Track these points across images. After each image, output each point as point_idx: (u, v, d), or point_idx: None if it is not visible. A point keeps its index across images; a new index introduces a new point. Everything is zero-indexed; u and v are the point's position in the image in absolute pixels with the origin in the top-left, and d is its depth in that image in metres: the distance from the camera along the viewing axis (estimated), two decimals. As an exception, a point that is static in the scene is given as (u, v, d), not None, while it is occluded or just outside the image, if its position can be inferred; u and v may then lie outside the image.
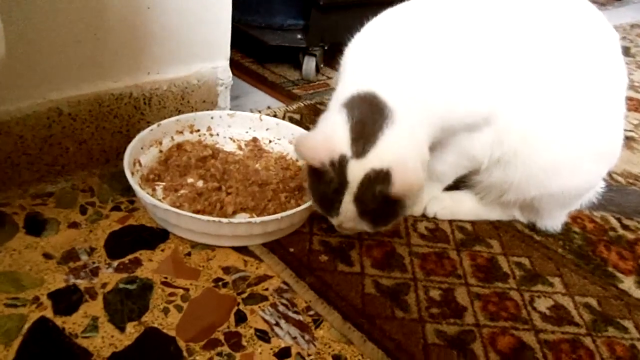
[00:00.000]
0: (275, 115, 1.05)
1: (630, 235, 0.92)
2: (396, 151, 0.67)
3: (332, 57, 1.32)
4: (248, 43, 1.28)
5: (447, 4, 0.76)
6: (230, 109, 1.02)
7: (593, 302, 0.77)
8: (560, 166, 0.77)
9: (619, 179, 1.09)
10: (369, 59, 0.74)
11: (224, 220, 0.71)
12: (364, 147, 0.66)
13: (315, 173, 0.69)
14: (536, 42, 0.74)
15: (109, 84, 0.81)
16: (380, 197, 0.67)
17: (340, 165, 0.67)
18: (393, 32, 0.74)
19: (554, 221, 0.87)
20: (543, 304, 0.75)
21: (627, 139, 1.34)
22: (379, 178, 0.66)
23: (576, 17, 0.78)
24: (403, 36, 0.73)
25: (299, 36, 1.28)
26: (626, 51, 1.89)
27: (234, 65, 1.04)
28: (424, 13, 0.76)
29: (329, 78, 1.31)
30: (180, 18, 0.85)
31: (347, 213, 0.69)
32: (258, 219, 0.72)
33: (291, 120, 1.07)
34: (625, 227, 0.94)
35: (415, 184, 0.67)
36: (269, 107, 1.09)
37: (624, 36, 2.08)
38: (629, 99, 1.54)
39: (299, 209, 0.75)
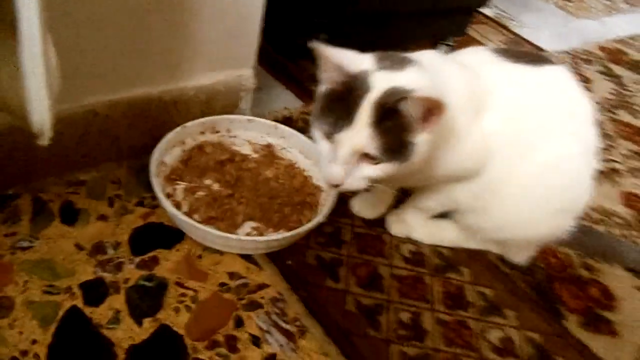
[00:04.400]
0: (290, 116, 1.09)
1: (586, 275, 1.00)
2: (422, 78, 0.70)
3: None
4: (276, 35, 1.28)
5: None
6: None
7: (537, 337, 0.86)
8: (523, 221, 0.85)
9: (592, 213, 1.16)
10: None
11: (233, 236, 0.79)
12: (392, 66, 0.70)
13: (333, 89, 0.70)
14: (517, 114, 0.79)
15: (142, 89, 0.85)
16: (398, 107, 0.67)
17: (365, 75, 0.69)
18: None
19: (520, 257, 0.95)
20: (494, 335, 0.84)
21: (613, 171, 1.38)
22: (402, 92, 0.67)
23: (552, 92, 0.82)
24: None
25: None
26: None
27: (260, 55, 1.04)
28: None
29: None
30: (213, 30, 0.87)
31: (362, 121, 0.67)
32: (262, 238, 0.80)
33: (305, 120, 1.12)
34: (585, 265, 1.02)
35: (437, 104, 0.65)
36: (285, 108, 1.13)
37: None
38: (625, 124, 1.57)
39: (299, 230, 0.82)
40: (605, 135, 1.46)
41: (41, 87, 0.53)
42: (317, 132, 0.73)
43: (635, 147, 1.44)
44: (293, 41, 1.23)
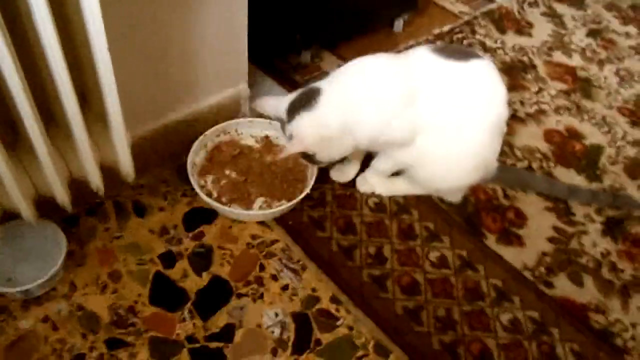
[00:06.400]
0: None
1: (506, 204, 1.35)
2: (308, 118, 1.09)
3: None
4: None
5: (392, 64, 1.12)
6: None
7: (464, 253, 1.23)
8: (449, 174, 1.20)
9: (518, 153, 1.47)
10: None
11: (251, 211, 1.16)
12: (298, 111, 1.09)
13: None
14: (441, 101, 1.10)
15: (172, 115, 1.18)
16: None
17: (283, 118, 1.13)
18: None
19: (454, 197, 1.30)
20: (433, 255, 1.21)
21: (539, 112, 1.65)
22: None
23: (472, 81, 1.12)
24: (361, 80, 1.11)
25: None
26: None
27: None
28: (380, 67, 1.11)
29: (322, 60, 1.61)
30: (216, 61, 1.17)
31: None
32: (269, 211, 1.16)
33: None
34: (506, 196, 1.36)
35: (295, 150, 1.09)
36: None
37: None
38: (557, 65, 1.80)
39: (294, 201, 1.17)
40: (538, 79, 1.72)
41: (126, 153, 0.86)
42: None
43: (563, 86, 1.70)
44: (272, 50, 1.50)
